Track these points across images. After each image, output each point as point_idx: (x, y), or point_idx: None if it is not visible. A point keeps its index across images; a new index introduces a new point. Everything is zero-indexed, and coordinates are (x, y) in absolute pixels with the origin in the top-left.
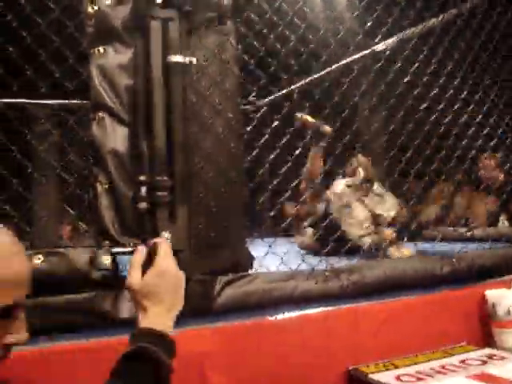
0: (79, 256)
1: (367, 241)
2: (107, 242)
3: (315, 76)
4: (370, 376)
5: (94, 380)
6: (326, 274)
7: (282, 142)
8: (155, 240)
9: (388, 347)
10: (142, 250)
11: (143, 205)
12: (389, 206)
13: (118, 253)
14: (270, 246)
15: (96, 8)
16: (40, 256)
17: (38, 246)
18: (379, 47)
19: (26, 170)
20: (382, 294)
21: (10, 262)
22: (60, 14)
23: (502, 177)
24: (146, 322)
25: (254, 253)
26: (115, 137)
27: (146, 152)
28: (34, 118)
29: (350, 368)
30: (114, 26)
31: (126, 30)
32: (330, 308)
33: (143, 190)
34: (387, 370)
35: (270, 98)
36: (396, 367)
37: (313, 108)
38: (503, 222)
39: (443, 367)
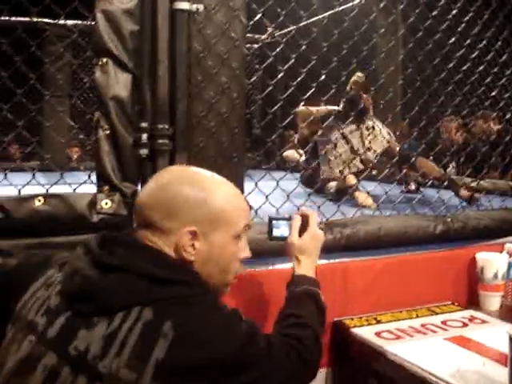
0: (79, 199)
1: (332, 185)
2: (107, 187)
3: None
4: (353, 330)
5: None
6: (320, 226)
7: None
8: (306, 211)
9: (375, 302)
10: (298, 219)
11: (144, 151)
12: (379, 141)
13: (274, 218)
14: (277, 182)
15: None
16: (40, 198)
17: (48, 167)
18: None
19: (37, 91)
20: (374, 249)
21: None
22: None
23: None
24: (301, 269)
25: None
26: (118, 83)
27: (148, 99)
28: (49, 39)
29: (335, 319)
30: None
31: None
32: (320, 261)
33: (144, 136)
34: (369, 324)
35: (287, 30)
36: (378, 322)
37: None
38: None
39: (424, 326)
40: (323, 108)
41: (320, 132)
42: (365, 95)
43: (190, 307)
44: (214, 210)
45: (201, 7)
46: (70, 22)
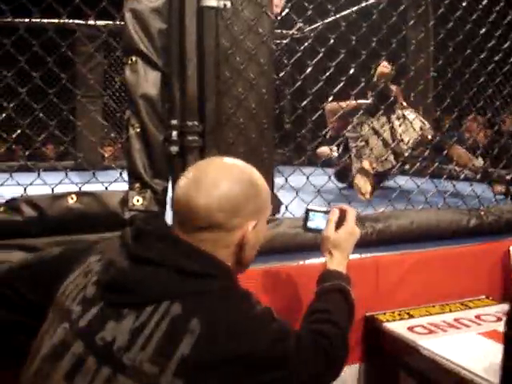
0: (111, 197)
1: None
2: (138, 184)
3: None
4: (385, 324)
5: None
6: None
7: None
8: (344, 206)
9: (408, 297)
10: (336, 212)
11: (174, 148)
12: (411, 131)
13: (311, 210)
14: (307, 178)
15: None
16: (73, 196)
17: (81, 166)
18: None
19: (69, 91)
20: (406, 243)
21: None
22: None
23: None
24: (333, 264)
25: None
26: (147, 81)
27: (177, 96)
28: (80, 40)
29: (367, 314)
30: None
31: None
32: (352, 256)
33: (174, 133)
34: (402, 319)
35: (316, 25)
36: (411, 316)
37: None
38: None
39: (457, 320)
40: (353, 102)
41: (350, 127)
42: (393, 86)
43: (220, 301)
44: (262, 200)
45: (228, 3)
46: (99, 23)
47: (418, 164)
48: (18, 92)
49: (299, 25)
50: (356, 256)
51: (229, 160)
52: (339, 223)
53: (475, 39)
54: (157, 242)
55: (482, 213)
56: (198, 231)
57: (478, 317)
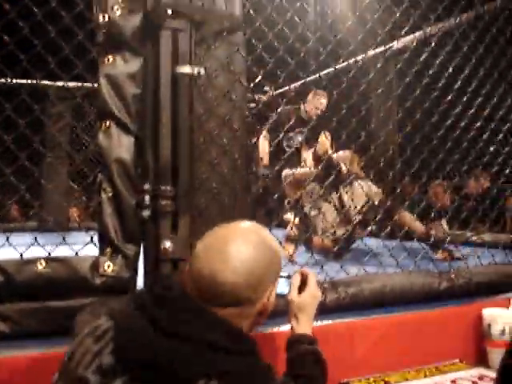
0: (82, 262)
1: None
2: (109, 249)
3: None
4: None
5: None
6: (325, 285)
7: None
8: (305, 270)
9: (382, 362)
10: (297, 277)
11: (146, 213)
12: (358, 197)
13: None
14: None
15: (107, 17)
16: (42, 261)
17: (48, 227)
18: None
19: (37, 152)
20: (380, 308)
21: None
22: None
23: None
24: (301, 328)
25: None
26: (121, 145)
27: (151, 161)
28: (48, 99)
29: (342, 381)
30: (125, 35)
31: (135, 39)
32: (325, 322)
33: (147, 198)
34: None
35: (283, 89)
36: (386, 383)
37: None
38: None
39: None
40: (307, 171)
41: (304, 194)
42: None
43: (251, 379)
44: (279, 263)
45: (202, 71)
46: (71, 84)
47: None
48: None
49: (266, 89)
50: (329, 322)
51: (246, 226)
52: (301, 287)
53: (441, 106)
54: (184, 313)
55: (453, 276)
56: (222, 307)
57: (453, 381)
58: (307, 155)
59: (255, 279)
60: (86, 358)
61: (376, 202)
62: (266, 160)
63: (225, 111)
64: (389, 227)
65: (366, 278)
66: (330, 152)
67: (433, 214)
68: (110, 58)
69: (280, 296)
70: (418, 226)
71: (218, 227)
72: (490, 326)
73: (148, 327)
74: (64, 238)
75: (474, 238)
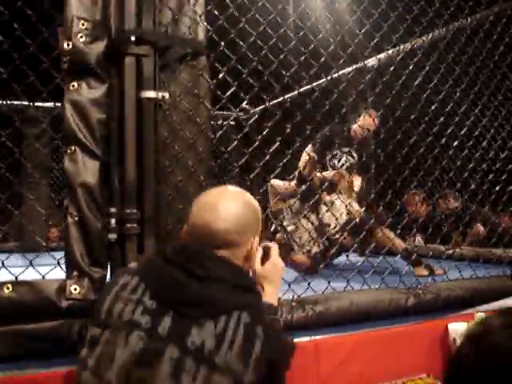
0: (48, 285)
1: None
2: (76, 273)
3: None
4: None
5: None
6: (293, 304)
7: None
8: (268, 244)
9: (350, 379)
10: (260, 250)
11: (112, 236)
12: (337, 215)
13: None
14: None
15: (71, 45)
16: (9, 285)
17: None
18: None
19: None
20: (346, 325)
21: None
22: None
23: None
24: (265, 297)
25: None
26: (86, 170)
27: (116, 184)
28: (28, 119)
29: None
30: (89, 62)
31: (100, 65)
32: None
33: (113, 221)
34: None
35: (261, 107)
36: None
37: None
38: (419, 240)
39: None
40: (291, 186)
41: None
42: (319, 174)
43: (262, 313)
44: (260, 220)
45: (166, 95)
46: (47, 105)
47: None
48: None
49: (244, 106)
50: (295, 340)
51: (233, 189)
52: (265, 259)
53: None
54: (210, 262)
55: (420, 291)
56: (215, 249)
57: None
58: (354, 179)
59: (241, 227)
60: (128, 307)
61: (357, 220)
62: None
63: (189, 134)
64: (371, 244)
65: (332, 295)
66: (313, 172)
67: (405, 224)
68: (75, 84)
69: None
70: (398, 243)
71: (209, 190)
72: (455, 340)
73: (178, 273)
74: (31, 262)
75: (450, 252)
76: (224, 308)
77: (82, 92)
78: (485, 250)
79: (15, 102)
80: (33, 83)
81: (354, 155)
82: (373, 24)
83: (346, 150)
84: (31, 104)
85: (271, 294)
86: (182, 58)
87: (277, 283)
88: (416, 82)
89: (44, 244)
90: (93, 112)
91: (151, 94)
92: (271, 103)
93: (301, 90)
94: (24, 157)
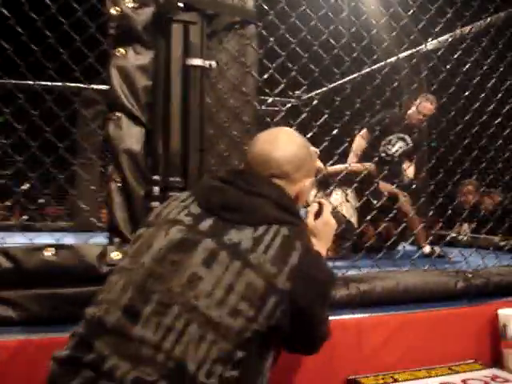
0: (90, 251)
1: None
2: (117, 239)
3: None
4: None
5: None
6: (337, 281)
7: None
8: (322, 201)
9: (393, 360)
10: (314, 205)
11: (155, 204)
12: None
13: None
14: None
15: (119, 10)
16: (52, 249)
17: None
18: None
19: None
20: (392, 306)
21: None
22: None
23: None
24: None
25: None
26: (131, 136)
27: (160, 152)
28: (84, 101)
29: (349, 378)
30: (136, 28)
31: (147, 32)
32: (335, 317)
33: (156, 189)
34: (385, 383)
35: (317, 91)
36: (395, 381)
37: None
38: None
39: None
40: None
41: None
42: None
43: (304, 236)
44: (314, 165)
45: (213, 63)
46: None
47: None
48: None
49: (297, 93)
50: (336, 317)
51: (292, 130)
52: (318, 215)
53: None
54: (255, 180)
55: (470, 275)
56: (271, 177)
57: (464, 381)
58: (406, 166)
59: (297, 161)
60: (175, 210)
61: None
62: (352, 161)
63: (235, 104)
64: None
65: (378, 275)
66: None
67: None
68: (122, 50)
69: None
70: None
71: (273, 129)
72: (505, 326)
73: (229, 187)
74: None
75: (502, 244)
76: (264, 218)
77: (129, 58)
78: None
79: (71, 84)
80: (90, 65)
81: (409, 141)
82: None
83: (401, 135)
84: (87, 86)
85: (319, 249)
86: (230, 26)
87: (326, 241)
88: (480, 70)
89: (97, 223)
90: (139, 79)
91: (198, 61)
92: (327, 88)
93: (358, 74)
94: (79, 137)
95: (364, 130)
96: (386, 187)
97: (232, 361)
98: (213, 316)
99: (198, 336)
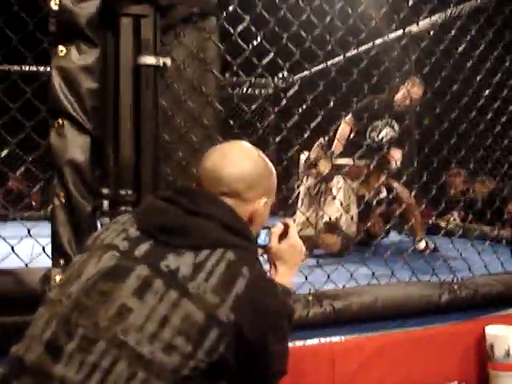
0: (32, 275)
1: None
2: (62, 261)
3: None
4: None
5: None
6: (309, 298)
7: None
8: (287, 221)
9: None
10: (279, 226)
11: (105, 220)
12: (332, 211)
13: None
14: None
15: (58, 3)
16: None
17: None
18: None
19: None
20: (370, 324)
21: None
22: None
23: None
24: (276, 277)
25: None
26: (75, 146)
27: (110, 163)
28: None
29: None
30: (79, 23)
31: (92, 28)
32: (305, 342)
33: (105, 203)
34: None
35: (301, 74)
36: None
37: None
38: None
39: None
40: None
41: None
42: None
43: (255, 261)
44: (272, 183)
45: (168, 61)
46: None
47: None
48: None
49: (284, 74)
50: (311, 342)
51: (248, 144)
52: (282, 237)
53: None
54: (202, 199)
55: (456, 286)
56: (221, 196)
57: None
58: (393, 154)
59: (248, 178)
60: (113, 234)
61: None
62: (337, 149)
63: (195, 106)
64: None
65: (355, 290)
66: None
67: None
68: (63, 48)
69: (263, 246)
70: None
71: (226, 143)
72: (492, 346)
73: (170, 207)
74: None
75: (494, 234)
76: (207, 241)
77: (71, 58)
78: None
79: None
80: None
81: (396, 127)
82: None
83: (388, 121)
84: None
85: (283, 274)
86: (187, 18)
87: (292, 265)
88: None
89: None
90: (83, 80)
91: (151, 59)
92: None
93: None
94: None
95: (349, 116)
96: (380, 179)
97: None
98: (144, 352)
99: (127, 375)
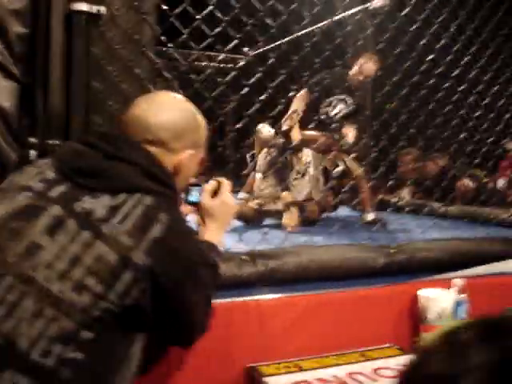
0: None
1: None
2: None
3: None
4: (266, 379)
5: None
6: (242, 257)
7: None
8: (221, 179)
9: (299, 345)
10: (211, 183)
11: None
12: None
13: (192, 184)
14: None
15: None
16: None
17: None
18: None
19: None
20: (305, 284)
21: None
22: None
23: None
24: (207, 235)
25: None
26: (1, 92)
27: (39, 111)
28: None
29: (248, 366)
30: None
31: None
32: (234, 299)
33: (33, 153)
34: (288, 372)
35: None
36: (300, 369)
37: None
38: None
39: (350, 375)
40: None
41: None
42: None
43: (174, 209)
44: (200, 136)
45: (102, 9)
46: None
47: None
48: None
49: (245, 50)
50: (239, 299)
51: (180, 96)
52: (216, 195)
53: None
54: (123, 144)
55: (392, 250)
56: (145, 143)
57: (375, 371)
58: (347, 130)
59: (173, 128)
60: (28, 176)
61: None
62: (287, 124)
63: (129, 55)
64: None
65: (290, 250)
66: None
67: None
68: None
69: (195, 203)
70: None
71: (155, 92)
72: (424, 308)
73: (90, 150)
74: None
75: (442, 210)
76: (125, 185)
77: (0, 0)
78: (472, 209)
79: None
80: None
81: (350, 103)
82: None
83: (342, 97)
84: None
85: (212, 232)
86: None
87: (223, 223)
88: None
89: None
90: (12, 24)
91: (84, 6)
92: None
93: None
94: None
95: (303, 91)
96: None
97: (75, 341)
98: (53, 290)
99: (34, 310)
